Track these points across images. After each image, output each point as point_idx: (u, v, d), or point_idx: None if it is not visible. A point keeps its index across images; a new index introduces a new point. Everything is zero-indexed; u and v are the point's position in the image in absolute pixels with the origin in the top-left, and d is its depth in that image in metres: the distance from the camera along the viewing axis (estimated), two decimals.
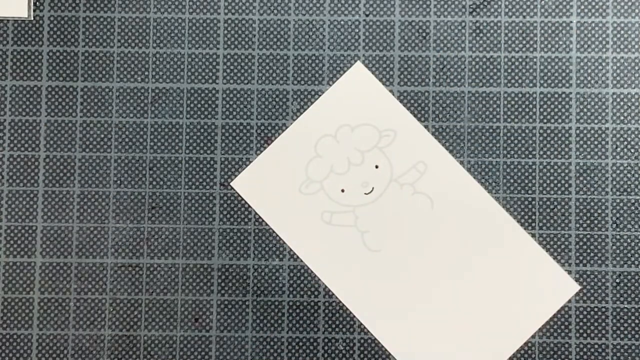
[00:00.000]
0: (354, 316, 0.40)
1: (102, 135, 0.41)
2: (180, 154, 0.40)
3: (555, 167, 0.40)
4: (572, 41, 0.40)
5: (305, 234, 0.40)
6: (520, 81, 0.40)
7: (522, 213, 0.40)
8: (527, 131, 0.40)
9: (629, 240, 0.40)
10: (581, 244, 0.40)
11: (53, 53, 0.41)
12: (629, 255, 0.40)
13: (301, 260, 0.40)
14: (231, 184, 0.40)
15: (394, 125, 0.40)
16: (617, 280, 0.39)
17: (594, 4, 0.40)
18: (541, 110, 0.40)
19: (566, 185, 0.40)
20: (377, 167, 0.40)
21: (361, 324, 0.40)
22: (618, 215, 0.40)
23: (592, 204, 0.40)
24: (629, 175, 0.40)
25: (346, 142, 0.40)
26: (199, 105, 0.41)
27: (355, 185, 0.40)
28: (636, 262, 0.39)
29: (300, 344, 0.40)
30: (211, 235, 0.40)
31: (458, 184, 0.40)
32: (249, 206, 0.40)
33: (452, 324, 0.39)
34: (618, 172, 0.40)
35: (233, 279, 0.40)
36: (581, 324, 0.39)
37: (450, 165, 0.40)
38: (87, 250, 0.40)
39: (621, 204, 0.40)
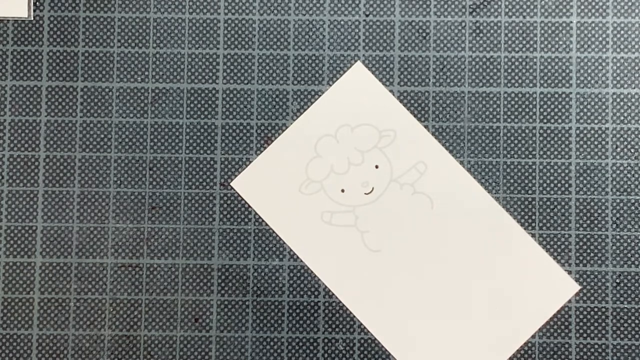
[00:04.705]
0: (354, 316, 0.40)
1: (102, 135, 0.41)
2: (180, 154, 0.40)
3: (555, 167, 0.40)
4: (572, 41, 0.40)
5: (305, 234, 0.40)
6: (520, 81, 0.40)
7: (522, 213, 0.40)
8: (527, 131, 0.40)
9: (629, 240, 0.40)
10: (581, 244, 0.40)
11: (53, 53, 0.41)
12: (629, 255, 0.40)
13: (301, 260, 0.40)
14: (231, 184, 0.40)
15: (394, 125, 0.40)
16: (617, 280, 0.39)
17: (594, 4, 0.40)
18: (541, 110, 0.40)
19: (566, 185, 0.40)
20: (377, 167, 0.40)
21: (361, 324, 0.40)
22: (618, 215, 0.40)
23: (592, 204, 0.40)
24: (629, 175, 0.40)
25: (346, 142, 0.40)
26: (199, 105, 0.41)
27: (355, 185, 0.40)
28: (636, 262, 0.39)
29: (300, 344, 0.40)
30: (211, 235, 0.40)
31: (458, 184, 0.40)
32: (249, 206, 0.40)
33: (452, 323, 0.39)
34: (618, 172, 0.40)
35: (233, 279, 0.40)
36: (581, 324, 0.39)
37: (450, 165, 0.40)
38: (87, 250, 0.40)
39: (621, 204, 0.40)
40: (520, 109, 0.40)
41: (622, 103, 0.40)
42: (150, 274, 0.40)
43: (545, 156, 0.40)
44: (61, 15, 0.41)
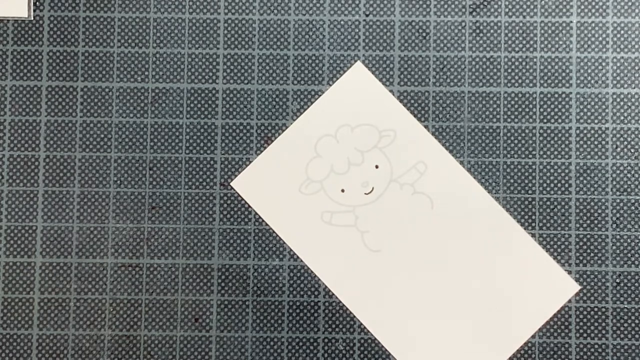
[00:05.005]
0: (354, 316, 0.40)
1: (102, 135, 0.41)
2: (180, 154, 0.40)
3: (555, 167, 0.40)
4: (572, 41, 0.40)
5: (305, 234, 0.40)
6: (520, 81, 0.40)
7: (522, 213, 0.40)
8: (527, 131, 0.40)
9: (629, 240, 0.40)
10: (581, 244, 0.40)
11: (53, 53, 0.41)
12: (629, 255, 0.40)
13: (301, 260, 0.40)
14: (231, 184, 0.40)
15: (394, 125, 0.40)
16: (617, 280, 0.39)
17: (594, 4, 0.40)
18: (541, 110, 0.40)
19: (566, 185, 0.40)
20: (377, 167, 0.40)
21: (361, 324, 0.40)
22: (618, 215, 0.40)
23: (592, 204, 0.40)
24: (629, 175, 0.40)
25: (346, 142, 0.40)
26: (199, 105, 0.41)
27: (355, 185, 0.40)
28: (636, 262, 0.39)
29: (300, 344, 0.40)
30: (211, 235, 0.40)
31: (458, 184, 0.40)
32: (249, 206, 0.40)
33: (452, 323, 0.39)
34: (618, 172, 0.40)
35: (233, 279, 0.40)
36: (581, 324, 0.39)
37: (450, 165, 0.40)
38: (87, 250, 0.40)
39: (621, 204, 0.40)
40: (520, 109, 0.40)
41: (622, 103, 0.40)
42: (150, 274, 0.40)
43: (545, 156, 0.40)
44: (61, 15, 0.41)
